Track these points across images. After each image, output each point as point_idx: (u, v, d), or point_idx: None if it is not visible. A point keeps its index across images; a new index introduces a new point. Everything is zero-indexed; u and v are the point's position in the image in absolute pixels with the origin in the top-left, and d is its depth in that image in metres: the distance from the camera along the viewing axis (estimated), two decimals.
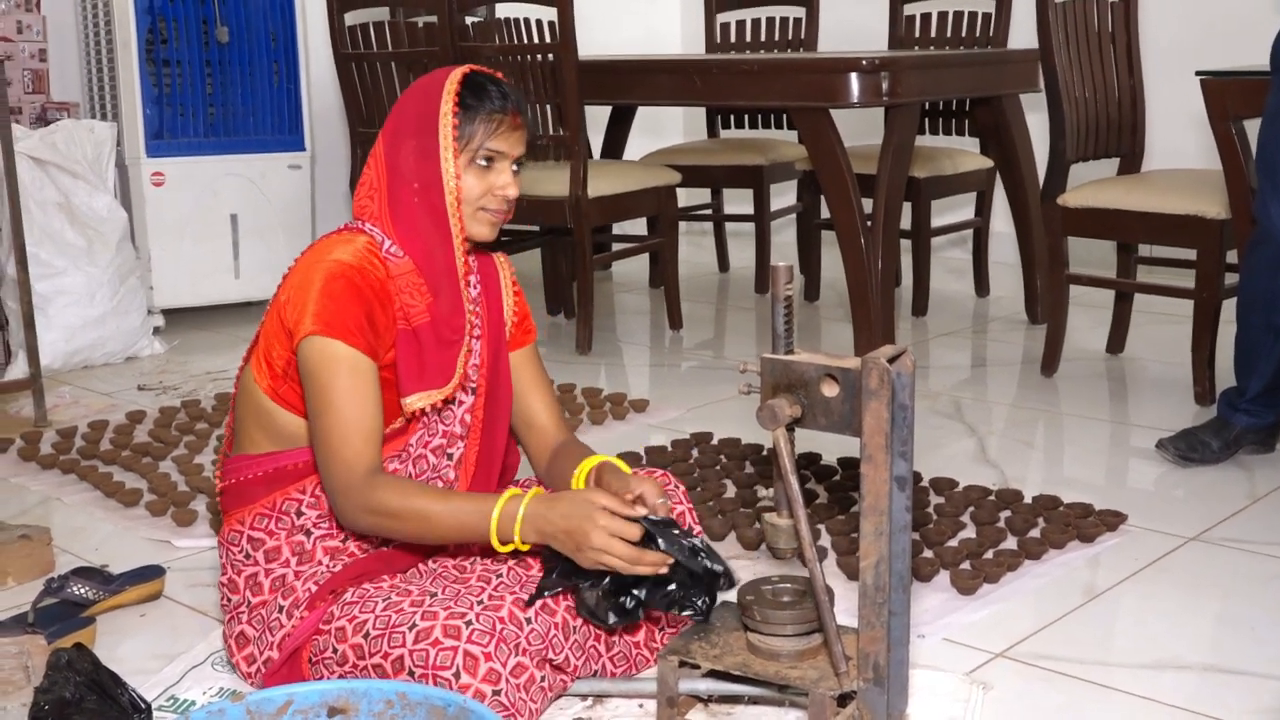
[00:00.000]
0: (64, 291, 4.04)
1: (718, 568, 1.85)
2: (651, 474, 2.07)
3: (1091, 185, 3.65)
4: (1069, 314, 3.82)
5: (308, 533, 1.99)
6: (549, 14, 4.02)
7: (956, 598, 2.34)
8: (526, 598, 1.87)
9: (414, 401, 1.95)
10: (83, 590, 2.28)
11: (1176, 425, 3.20)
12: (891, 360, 1.62)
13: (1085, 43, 3.71)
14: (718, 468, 3.04)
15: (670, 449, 3.16)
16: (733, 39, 5.29)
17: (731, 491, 2.90)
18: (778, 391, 1.71)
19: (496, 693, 1.77)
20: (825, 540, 2.59)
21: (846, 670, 1.72)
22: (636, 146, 5.24)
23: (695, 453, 3.15)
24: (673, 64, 4.43)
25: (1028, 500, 2.77)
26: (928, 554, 2.50)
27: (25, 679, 1.91)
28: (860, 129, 4.94)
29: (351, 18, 4.43)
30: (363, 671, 1.85)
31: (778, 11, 5.21)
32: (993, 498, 2.81)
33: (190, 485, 2.97)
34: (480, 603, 1.85)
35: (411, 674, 1.79)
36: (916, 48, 4.84)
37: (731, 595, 1.89)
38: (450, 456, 2.05)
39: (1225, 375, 3.27)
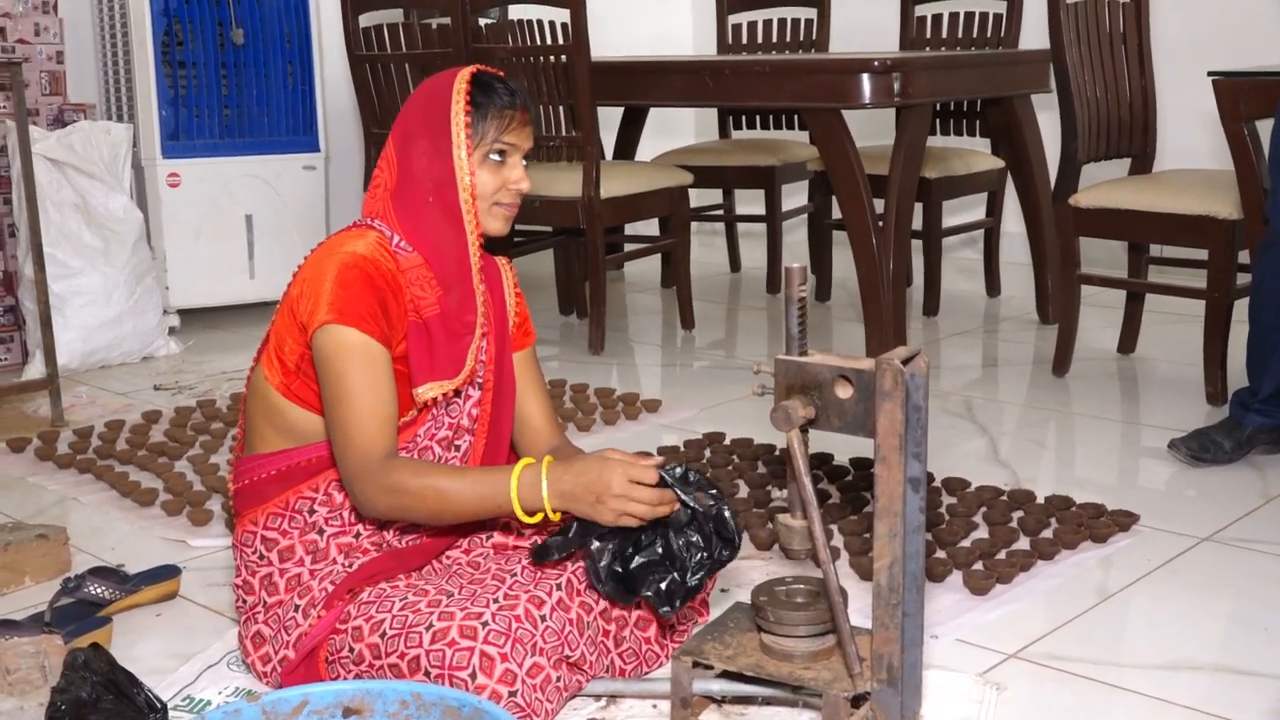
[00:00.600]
0: (80, 292, 4.06)
1: (729, 514, 1.87)
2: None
3: (1103, 185, 3.65)
4: (1080, 314, 3.82)
5: (320, 531, 2.00)
6: (562, 15, 4.03)
7: (969, 598, 2.35)
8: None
9: (426, 391, 1.97)
10: (99, 590, 2.29)
11: (1188, 425, 3.20)
12: (905, 361, 1.63)
13: (1096, 43, 3.71)
14: (730, 468, 3.04)
15: (683, 449, 3.17)
16: (744, 40, 5.30)
17: (744, 492, 2.90)
18: (791, 393, 1.71)
19: (513, 694, 1.78)
20: (838, 541, 2.60)
21: (860, 671, 1.73)
22: (649, 147, 5.25)
23: (708, 453, 3.16)
24: (685, 65, 4.44)
25: (1040, 500, 2.78)
26: (940, 554, 2.50)
27: (42, 678, 1.93)
28: (872, 129, 4.95)
29: (366, 19, 4.45)
30: (379, 671, 1.87)
31: (789, 12, 5.21)
32: (1005, 498, 2.81)
33: (206, 485, 2.98)
34: (496, 601, 1.86)
35: (428, 674, 1.80)
36: (928, 48, 4.84)
37: (745, 596, 1.89)
38: (457, 449, 2.07)
39: (1237, 375, 3.27)
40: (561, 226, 4.35)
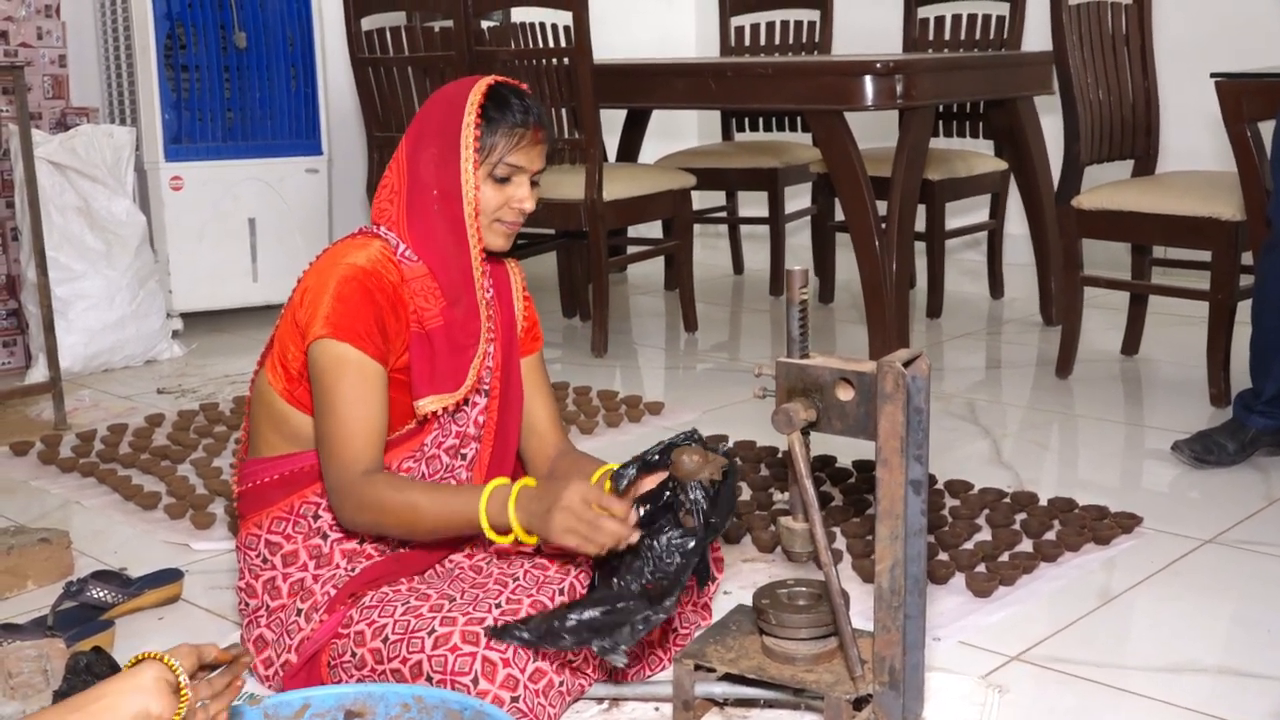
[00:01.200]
0: (83, 295, 4.06)
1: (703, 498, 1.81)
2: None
3: (1106, 187, 3.65)
4: (1083, 316, 3.81)
5: (324, 535, 2.00)
6: (564, 18, 4.03)
7: (972, 600, 2.34)
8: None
9: (426, 404, 1.97)
10: (102, 593, 2.29)
11: (1192, 427, 3.20)
12: (907, 364, 1.63)
13: (1099, 45, 3.71)
14: None
15: None
16: (747, 42, 5.30)
17: (747, 494, 2.90)
18: (793, 395, 1.71)
19: (515, 699, 1.77)
20: (840, 543, 2.60)
21: (862, 674, 1.73)
22: (651, 149, 5.25)
23: None
24: (688, 67, 4.44)
25: (1043, 503, 2.77)
26: (943, 557, 2.50)
27: (44, 682, 1.93)
28: (875, 131, 4.94)
29: (368, 22, 4.45)
30: (381, 676, 1.86)
31: (792, 14, 5.21)
32: (1008, 500, 2.81)
33: (209, 488, 2.98)
34: (498, 606, 1.86)
35: (430, 679, 1.80)
36: (931, 50, 4.84)
37: (747, 599, 1.89)
38: (464, 456, 2.07)
39: (1240, 377, 3.27)
40: (564, 229, 4.35)
